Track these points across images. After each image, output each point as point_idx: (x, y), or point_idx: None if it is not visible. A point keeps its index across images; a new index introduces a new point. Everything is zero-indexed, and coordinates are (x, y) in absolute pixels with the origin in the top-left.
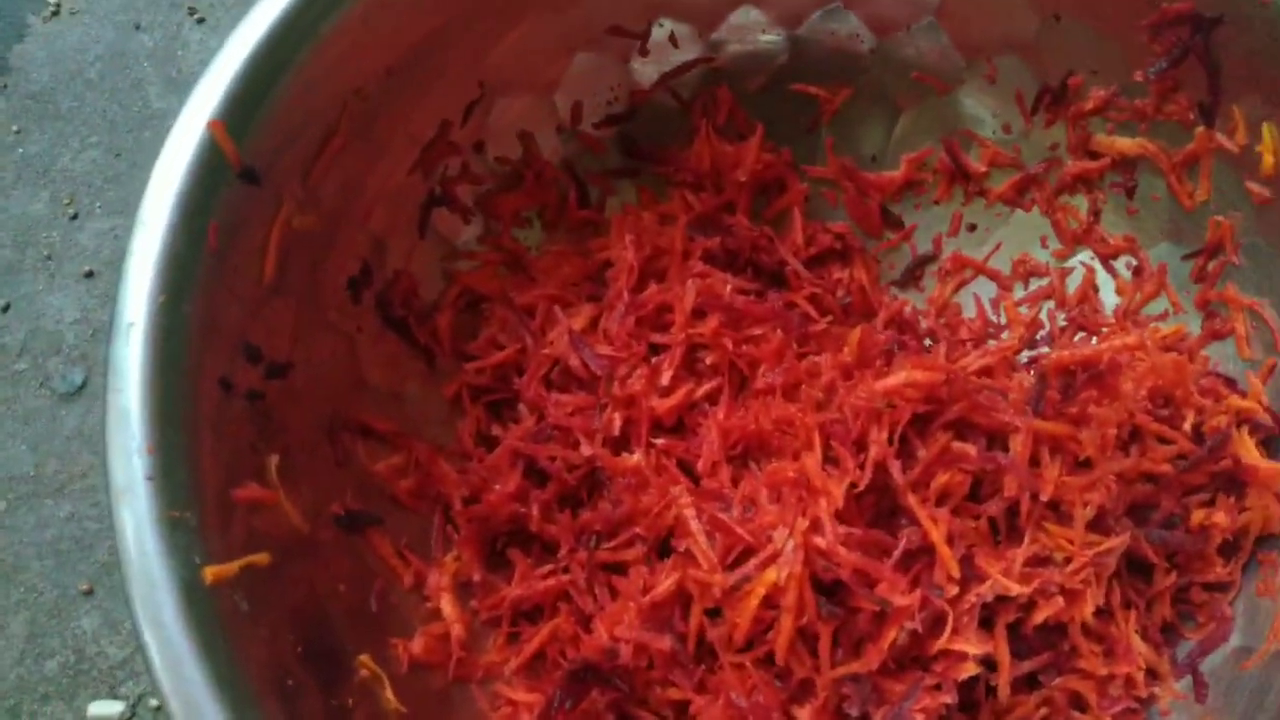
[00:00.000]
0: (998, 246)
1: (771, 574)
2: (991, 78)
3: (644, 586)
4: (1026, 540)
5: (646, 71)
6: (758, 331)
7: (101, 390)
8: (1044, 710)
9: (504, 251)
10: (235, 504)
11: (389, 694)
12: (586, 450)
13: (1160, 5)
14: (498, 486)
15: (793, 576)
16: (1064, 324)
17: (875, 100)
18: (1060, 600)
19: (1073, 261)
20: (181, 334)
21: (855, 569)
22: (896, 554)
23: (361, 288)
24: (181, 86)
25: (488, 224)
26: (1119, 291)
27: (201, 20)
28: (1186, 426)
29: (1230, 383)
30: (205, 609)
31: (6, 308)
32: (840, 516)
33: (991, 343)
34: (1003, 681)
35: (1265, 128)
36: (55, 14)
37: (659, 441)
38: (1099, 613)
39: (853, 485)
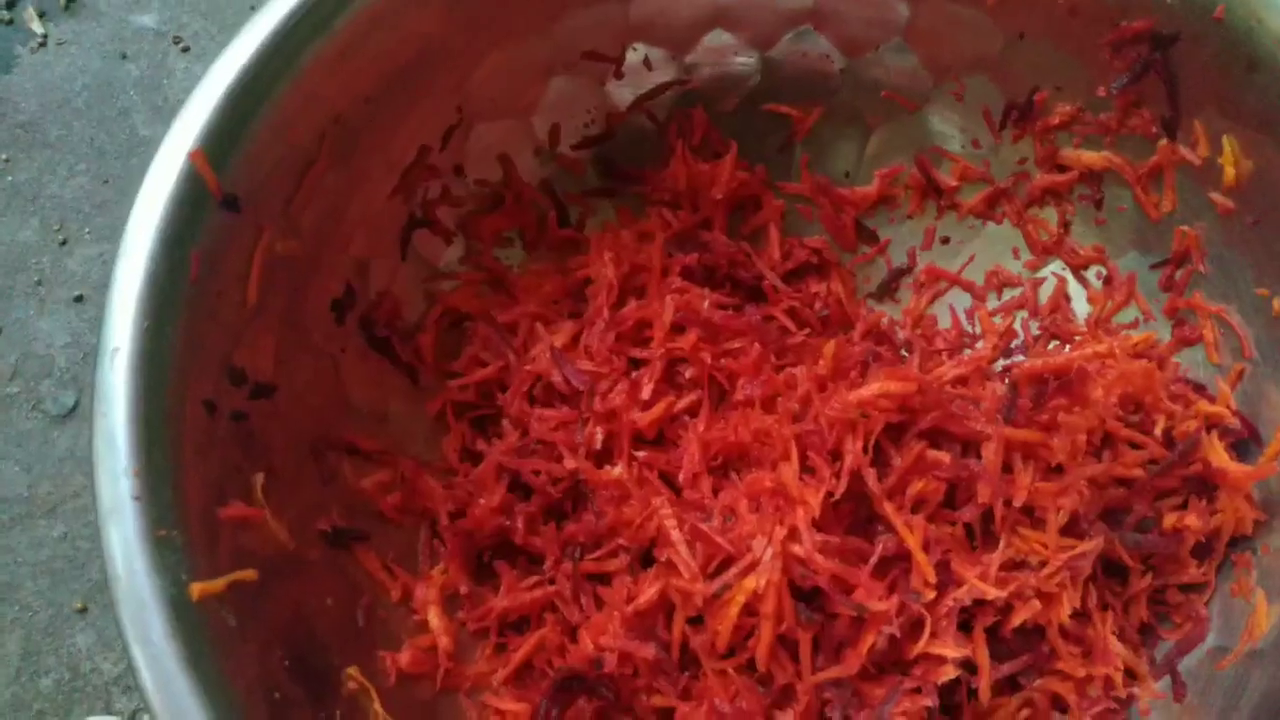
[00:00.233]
0: (971, 258)
1: (751, 582)
2: (959, 95)
3: (628, 596)
4: (1002, 545)
5: (622, 94)
6: (736, 345)
7: (91, 422)
8: (1025, 712)
9: (485, 271)
10: (221, 522)
11: (377, 706)
12: (570, 464)
13: (1120, 23)
14: (483, 500)
15: (771, 584)
16: (1037, 333)
17: (847, 119)
18: (1037, 603)
19: (1044, 272)
20: (165, 358)
21: (833, 575)
22: (873, 560)
23: (345, 309)
24: (167, 114)
25: (469, 244)
26: (1090, 300)
27: (187, 49)
28: (1157, 431)
29: (1200, 388)
30: (193, 625)
31: None
32: (817, 525)
33: (967, 352)
34: (983, 684)
35: (1225, 140)
36: (43, 45)
37: (640, 454)
38: (1076, 615)
39: (829, 494)
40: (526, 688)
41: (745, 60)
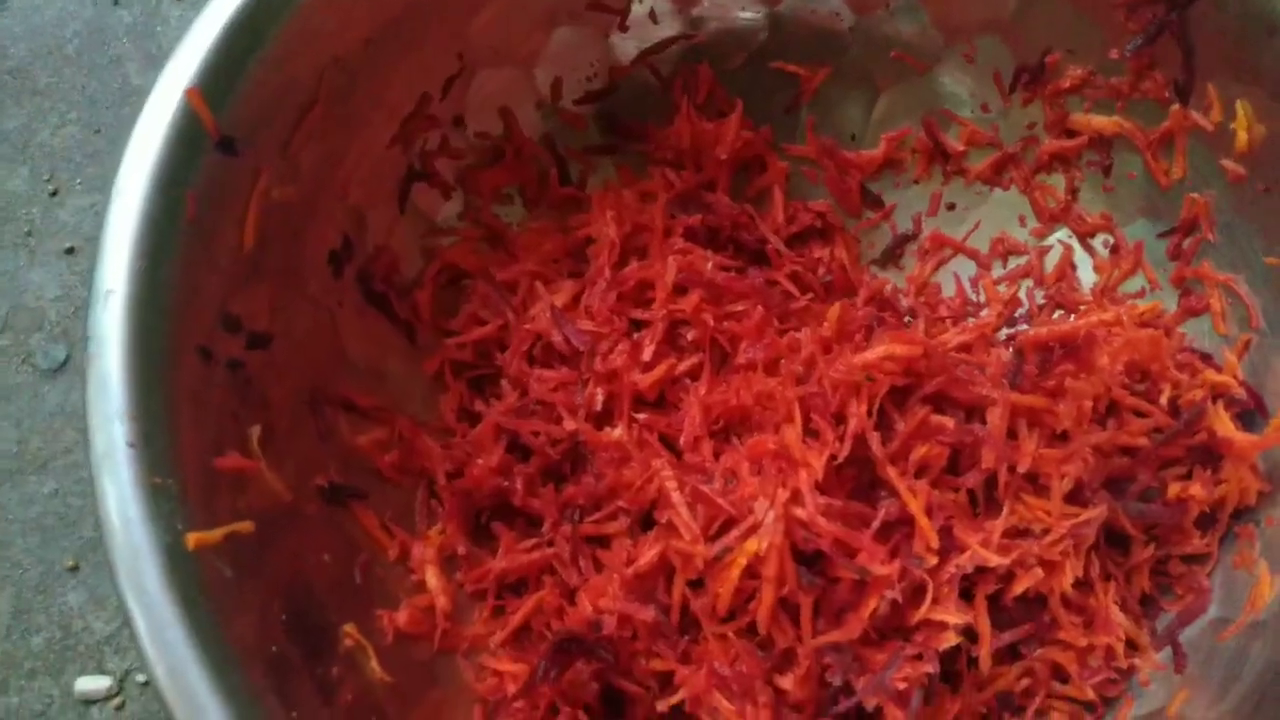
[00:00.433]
0: (976, 225)
1: (753, 544)
2: (970, 57)
3: (627, 559)
4: (1005, 512)
5: (626, 47)
6: (739, 307)
7: (84, 366)
8: (1025, 681)
9: (484, 228)
10: (218, 473)
11: (374, 664)
12: (569, 425)
13: None
14: (480, 461)
15: (773, 547)
16: (1042, 302)
17: (855, 79)
18: (1039, 571)
19: (1051, 240)
20: (160, 301)
21: (835, 539)
22: (876, 524)
23: (342, 262)
24: (160, 63)
25: (468, 200)
26: (1096, 269)
27: None
28: (1163, 401)
29: (1206, 358)
30: (189, 575)
31: None
32: (820, 488)
33: (970, 320)
34: (984, 652)
35: (1239, 105)
36: None
37: (641, 416)
38: (1078, 584)
39: (832, 457)
40: (524, 650)
41: (753, 16)
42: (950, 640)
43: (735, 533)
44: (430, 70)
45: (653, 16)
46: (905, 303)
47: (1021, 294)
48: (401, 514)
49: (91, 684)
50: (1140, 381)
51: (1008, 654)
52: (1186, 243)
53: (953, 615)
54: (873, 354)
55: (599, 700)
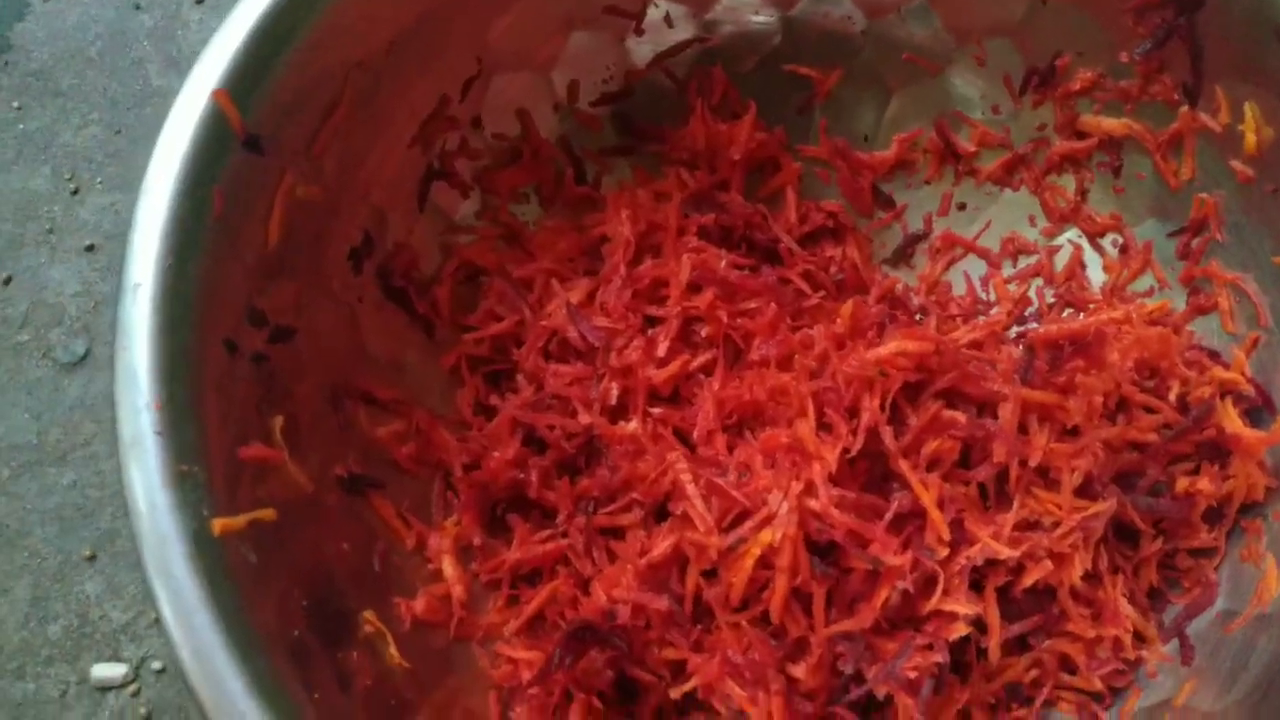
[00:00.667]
0: (987, 225)
1: (767, 535)
2: (981, 59)
3: (641, 549)
4: (1015, 505)
5: (642, 51)
6: (752, 305)
7: (103, 360)
8: (1034, 672)
9: (501, 226)
10: (242, 463)
11: (393, 650)
12: (584, 419)
13: None
14: (497, 453)
15: (787, 537)
16: (1052, 301)
17: (867, 81)
18: (1049, 563)
19: (1060, 239)
20: (187, 295)
21: (848, 530)
22: (888, 516)
23: (363, 258)
24: (181, 65)
25: (485, 199)
26: (1106, 269)
27: (200, 1)
28: (1172, 397)
29: (1214, 355)
30: (215, 561)
31: (9, 280)
32: (833, 480)
33: (981, 318)
34: (993, 643)
35: (1247, 107)
36: None
37: (655, 411)
38: (1087, 577)
39: (845, 450)
40: (538, 638)
41: (766, 19)
42: (960, 630)
43: (749, 524)
44: (450, 73)
45: (668, 21)
46: (916, 301)
47: (1031, 293)
48: (418, 505)
49: (108, 671)
50: (1149, 378)
51: (1016, 645)
52: (1195, 242)
53: (963, 606)
54: (885, 350)
55: (612, 688)
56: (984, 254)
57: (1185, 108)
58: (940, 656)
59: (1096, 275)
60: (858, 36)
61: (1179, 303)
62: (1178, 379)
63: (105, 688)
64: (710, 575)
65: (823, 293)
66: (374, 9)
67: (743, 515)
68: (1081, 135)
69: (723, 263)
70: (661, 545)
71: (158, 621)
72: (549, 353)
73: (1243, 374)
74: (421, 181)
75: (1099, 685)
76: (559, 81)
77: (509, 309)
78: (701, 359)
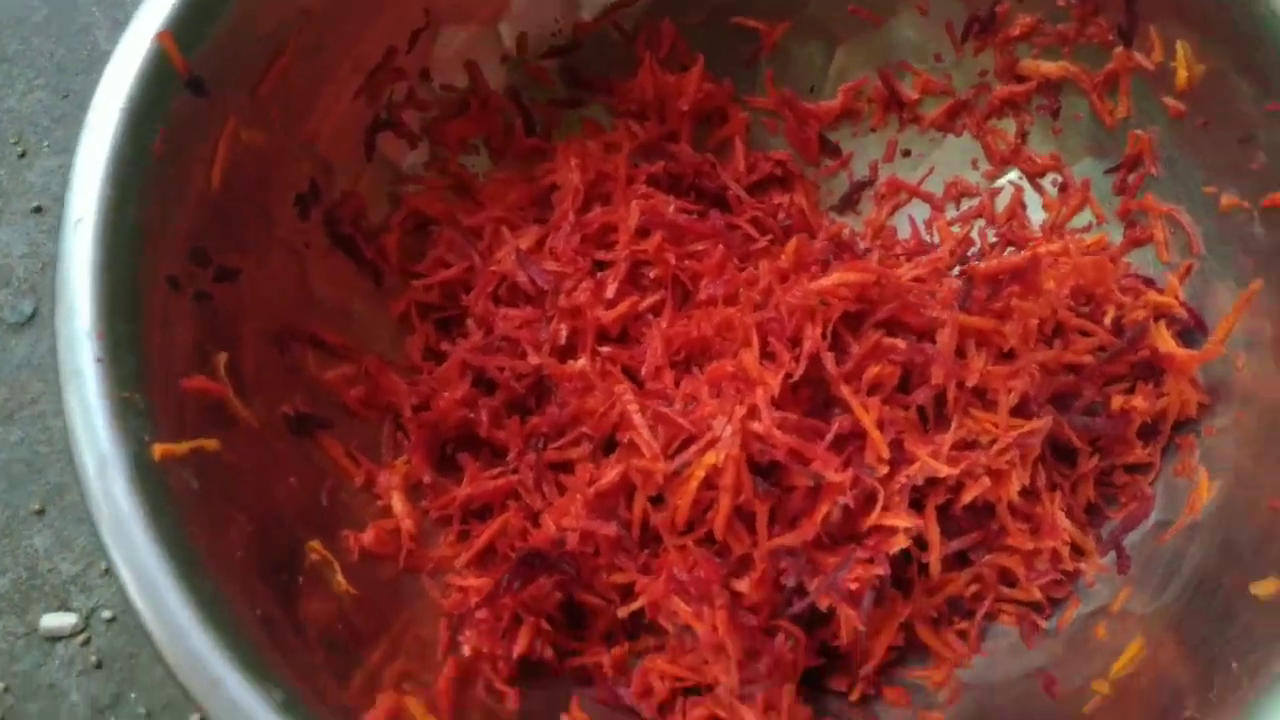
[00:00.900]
0: (931, 170)
1: (711, 457)
2: (923, 9)
3: (590, 480)
4: (954, 426)
5: (590, 4)
6: (700, 247)
7: (50, 320)
8: (975, 586)
9: (451, 177)
10: (185, 394)
11: (340, 577)
12: (534, 360)
13: None
14: (446, 394)
15: (731, 458)
16: (994, 240)
17: (813, 32)
18: (987, 480)
19: (1002, 181)
20: (129, 231)
21: (790, 449)
22: (829, 437)
23: (309, 206)
24: None
25: (434, 150)
26: (1046, 208)
27: None
28: (1107, 321)
29: (1149, 281)
30: (155, 484)
31: None
32: (776, 405)
33: (924, 258)
34: (934, 558)
35: (1179, 45)
36: None
37: (604, 350)
38: (1025, 494)
39: (788, 376)
40: (489, 570)
41: None
42: (900, 543)
43: (694, 448)
44: (397, 24)
45: None
46: (862, 246)
47: (974, 234)
48: (367, 446)
49: (57, 621)
50: (1085, 304)
51: (957, 561)
52: (1131, 178)
53: (903, 520)
54: (827, 280)
55: (561, 612)
56: (928, 198)
57: (1120, 48)
58: (881, 569)
59: (1037, 215)
60: None
61: (1116, 236)
62: (1113, 304)
63: (54, 638)
64: (657, 502)
65: (770, 237)
66: None
67: (688, 441)
68: (1021, 79)
69: (671, 207)
70: (609, 474)
71: (108, 571)
72: (498, 298)
73: (1176, 298)
74: (368, 131)
75: (1038, 595)
76: (507, 34)
77: (458, 256)
78: (650, 300)
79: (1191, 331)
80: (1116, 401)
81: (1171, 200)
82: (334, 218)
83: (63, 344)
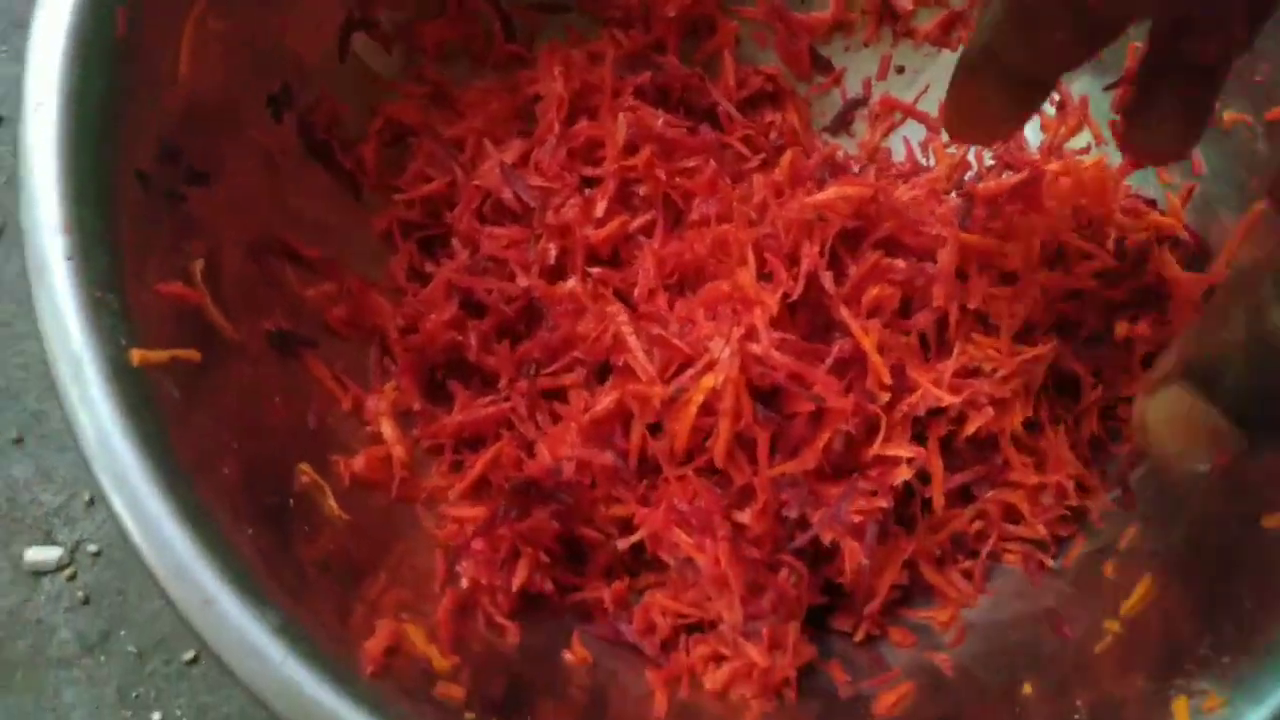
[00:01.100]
0: (926, 89)
1: (709, 380)
2: None
3: (585, 407)
4: (956, 351)
5: None
6: (691, 164)
7: (19, 236)
8: (979, 524)
9: (429, 85)
10: (162, 298)
11: (332, 502)
12: (523, 281)
13: None
14: (434, 316)
15: (730, 381)
16: (991, 163)
17: None
18: (990, 410)
19: None
20: (92, 117)
21: (791, 372)
22: (829, 360)
23: (282, 107)
24: None
25: (411, 56)
26: (1043, 128)
27: None
28: (1109, 244)
29: (1150, 203)
30: (135, 389)
31: None
32: (775, 326)
33: (921, 178)
34: (937, 491)
35: None
36: None
37: (595, 271)
38: (1029, 426)
39: (786, 295)
40: (484, 501)
41: None
42: (903, 475)
43: (691, 371)
44: None
45: None
46: (856, 169)
47: (970, 156)
48: (353, 369)
49: (41, 554)
50: (1087, 227)
51: (960, 497)
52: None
53: (905, 450)
54: (824, 195)
55: (560, 547)
56: (923, 118)
57: None
58: (884, 501)
59: (1034, 136)
60: None
61: (1116, 159)
62: (1115, 226)
63: (39, 572)
64: (655, 430)
65: (763, 155)
66: None
67: (685, 364)
68: None
69: (660, 121)
70: (605, 400)
71: (92, 503)
72: (483, 215)
73: (1179, 220)
74: (341, 29)
75: (1043, 533)
76: None
77: (440, 170)
78: (640, 220)
79: (1195, 256)
80: (1120, 328)
81: None
82: (308, 123)
83: (29, 240)
